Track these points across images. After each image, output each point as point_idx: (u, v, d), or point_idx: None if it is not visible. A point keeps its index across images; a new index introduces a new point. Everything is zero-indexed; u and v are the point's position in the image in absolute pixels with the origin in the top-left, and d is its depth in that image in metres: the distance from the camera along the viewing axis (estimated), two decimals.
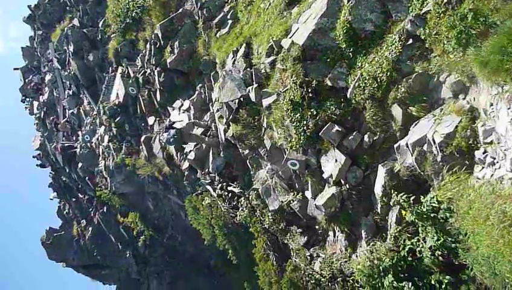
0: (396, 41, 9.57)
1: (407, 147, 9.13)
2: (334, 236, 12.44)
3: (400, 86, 9.49)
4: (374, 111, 10.14)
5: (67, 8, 35.66)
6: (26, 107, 43.39)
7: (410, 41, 9.40)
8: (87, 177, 31.02)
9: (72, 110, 32.98)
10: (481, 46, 7.57)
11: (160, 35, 20.28)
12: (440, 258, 8.63)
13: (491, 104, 7.53)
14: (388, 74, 9.63)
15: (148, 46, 21.80)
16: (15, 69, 44.46)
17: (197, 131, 18.02)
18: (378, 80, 9.81)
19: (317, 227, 13.13)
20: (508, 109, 6.97)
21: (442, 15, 8.66)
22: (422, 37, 9.09)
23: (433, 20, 8.84)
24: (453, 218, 8.06)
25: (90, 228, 35.17)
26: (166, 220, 26.34)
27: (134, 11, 23.72)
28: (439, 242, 8.48)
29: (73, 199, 37.96)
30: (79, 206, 37.24)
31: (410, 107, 9.44)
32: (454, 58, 8.40)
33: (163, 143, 20.52)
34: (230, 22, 16.77)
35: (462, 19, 8.09)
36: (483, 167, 7.70)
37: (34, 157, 41.98)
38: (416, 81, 9.28)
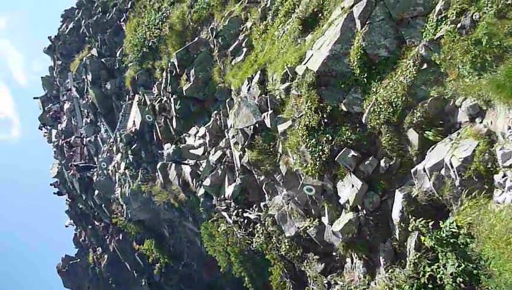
0: (410, 66, 9.62)
1: (425, 171, 9.05)
2: (352, 263, 12.25)
3: (415, 111, 9.49)
4: (390, 136, 10.12)
5: (86, 38, 36.68)
6: (44, 135, 44.20)
7: (425, 66, 9.43)
8: (103, 205, 31.23)
9: (90, 138, 33.50)
10: (497, 70, 7.58)
11: (176, 63, 20.68)
12: (462, 285, 8.41)
13: (509, 128, 7.48)
14: (403, 98, 9.65)
15: (164, 74, 22.22)
16: (35, 98, 45.56)
17: (197, 151, 19.25)
18: (394, 105, 9.83)
19: (334, 254, 12.96)
20: None
21: (456, 40, 8.71)
22: (437, 62, 9.12)
23: (447, 44, 8.90)
24: (473, 243, 7.91)
25: (106, 256, 35.24)
26: (181, 247, 26.24)
27: (151, 40, 24.33)
28: (460, 268, 8.30)
29: (90, 227, 38.18)
30: (95, 234, 37.41)
31: (426, 132, 9.40)
32: (469, 82, 8.40)
33: (165, 159, 21.65)
34: (245, 49, 17.07)
35: (477, 43, 8.14)
36: (503, 191, 7.58)
37: (51, 185, 42.50)
38: (431, 106, 9.27)
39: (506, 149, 7.51)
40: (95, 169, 31.70)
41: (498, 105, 7.79)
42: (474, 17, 8.57)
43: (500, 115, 7.82)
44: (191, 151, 19.98)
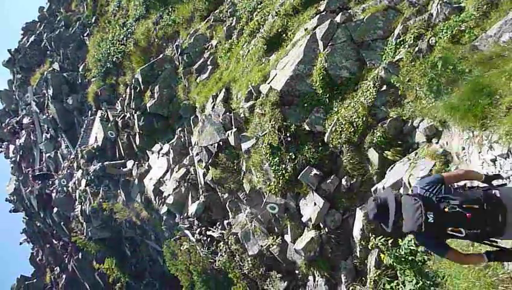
0: (371, 88, 9.87)
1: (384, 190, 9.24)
2: (314, 281, 12.29)
3: (375, 131, 9.71)
4: (351, 155, 10.30)
5: (48, 52, 35.91)
6: (1, 151, 42.70)
7: (384, 87, 9.70)
8: (62, 223, 30.29)
9: (49, 154, 32.57)
10: (451, 92, 7.88)
11: (140, 79, 20.50)
12: None
13: (463, 148, 7.75)
14: (364, 118, 9.87)
15: (128, 90, 21.98)
16: None
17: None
18: (354, 125, 10.03)
19: (297, 272, 12.97)
20: (479, 153, 7.18)
21: (413, 63, 9.03)
22: (396, 84, 9.41)
23: (406, 67, 9.20)
24: (430, 261, 8.10)
25: (64, 276, 34.03)
26: (143, 266, 25.69)
27: (115, 56, 24.08)
28: (418, 285, 8.44)
29: (47, 245, 36.88)
30: (53, 253, 36.16)
31: (385, 151, 9.61)
32: (426, 104, 8.69)
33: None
34: (210, 67, 17.12)
35: (433, 66, 8.44)
36: None
37: (6, 200, 40.95)
38: (391, 126, 9.52)
39: (461, 169, 7.78)
40: (54, 178, 30.93)
41: (453, 126, 8.07)
42: (430, 42, 8.93)
43: (454, 136, 8.11)
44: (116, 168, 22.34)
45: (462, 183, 4.60)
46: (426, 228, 4.12)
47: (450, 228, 4.13)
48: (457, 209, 4.09)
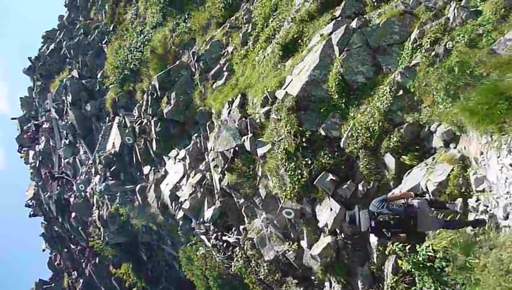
0: (387, 93, 9.83)
1: None
2: (331, 287, 12.22)
3: (392, 136, 9.67)
4: (367, 160, 10.26)
5: (67, 60, 36.51)
6: (21, 157, 43.41)
7: (401, 92, 9.65)
8: (80, 227, 30.63)
9: (68, 160, 33.02)
10: (469, 97, 7.81)
11: (157, 86, 20.72)
12: None
13: (482, 153, 7.67)
14: (380, 124, 9.83)
15: (145, 96, 22.21)
16: (12, 118, 44.86)
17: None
18: (371, 130, 10.00)
19: (313, 278, 12.91)
20: (498, 157, 7.10)
21: (430, 67, 8.98)
22: (412, 89, 9.35)
23: (422, 72, 9.16)
24: (449, 267, 8.02)
25: (81, 280, 34.38)
26: (159, 271, 25.82)
27: (132, 63, 24.40)
28: None
29: (65, 250, 37.31)
30: (71, 257, 36.56)
31: (402, 156, 9.56)
32: (443, 109, 8.63)
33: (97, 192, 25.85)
34: (226, 74, 17.23)
35: (450, 71, 8.39)
36: (476, 215, 7.73)
37: (26, 206, 41.59)
38: (407, 131, 9.47)
39: (479, 174, 7.70)
40: (71, 180, 31.51)
41: (471, 131, 8.00)
42: (447, 46, 8.87)
43: (472, 140, 8.03)
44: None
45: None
46: (371, 230, 7.44)
47: (383, 229, 7.30)
48: (387, 219, 7.21)
